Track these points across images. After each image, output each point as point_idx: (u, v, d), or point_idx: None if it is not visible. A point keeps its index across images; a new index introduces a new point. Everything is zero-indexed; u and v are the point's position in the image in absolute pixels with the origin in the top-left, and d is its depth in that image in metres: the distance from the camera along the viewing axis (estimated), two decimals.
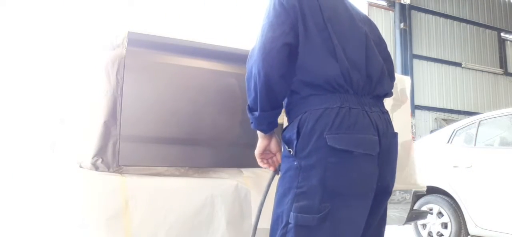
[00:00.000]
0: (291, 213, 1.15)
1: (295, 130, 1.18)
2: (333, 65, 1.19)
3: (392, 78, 1.42)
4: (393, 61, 10.90)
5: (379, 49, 1.38)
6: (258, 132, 1.32)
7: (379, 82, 1.30)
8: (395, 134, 1.33)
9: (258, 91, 1.19)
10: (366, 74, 1.25)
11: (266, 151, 1.35)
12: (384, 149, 1.24)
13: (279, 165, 1.35)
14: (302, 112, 1.20)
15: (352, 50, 1.25)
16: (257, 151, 1.35)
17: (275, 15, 1.20)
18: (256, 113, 1.22)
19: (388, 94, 1.38)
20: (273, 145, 1.34)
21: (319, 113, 1.16)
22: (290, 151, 1.20)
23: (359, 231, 1.23)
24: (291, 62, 1.20)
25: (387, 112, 1.34)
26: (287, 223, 1.16)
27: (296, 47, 1.20)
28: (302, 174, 1.16)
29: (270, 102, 1.20)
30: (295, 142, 1.18)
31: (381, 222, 1.37)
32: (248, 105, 1.26)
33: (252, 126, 1.28)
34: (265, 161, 1.38)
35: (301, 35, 1.20)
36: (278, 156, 1.36)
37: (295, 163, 1.18)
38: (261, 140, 1.33)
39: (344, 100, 1.18)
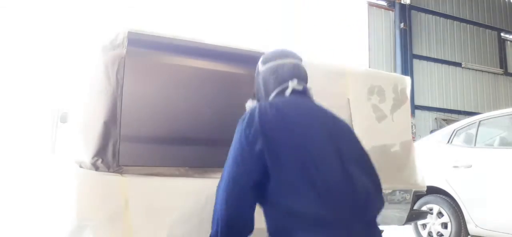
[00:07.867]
0: None
1: None
2: (314, 197, 1.09)
3: (379, 190, 1.26)
4: (393, 62, 10.67)
5: (356, 154, 1.26)
6: None
7: (366, 204, 1.17)
8: None
9: (219, 229, 1.17)
10: (352, 199, 1.13)
11: None
12: None
13: None
14: None
15: (331, 175, 1.14)
16: None
17: (240, 148, 1.18)
18: None
19: (381, 209, 1.24)
20: None
21: None
22: None
23: None
24: (258, 197, 1.17)
25: (380, 233, 1.24)
26: None
27: (263, 182, 1.14)
28: None
29: None
30: None
31: None
32: (210, 234, 1.23)
33: None
34: None
35: (272, 168, 1.13)
36: None
37: None
38: None
39: None
